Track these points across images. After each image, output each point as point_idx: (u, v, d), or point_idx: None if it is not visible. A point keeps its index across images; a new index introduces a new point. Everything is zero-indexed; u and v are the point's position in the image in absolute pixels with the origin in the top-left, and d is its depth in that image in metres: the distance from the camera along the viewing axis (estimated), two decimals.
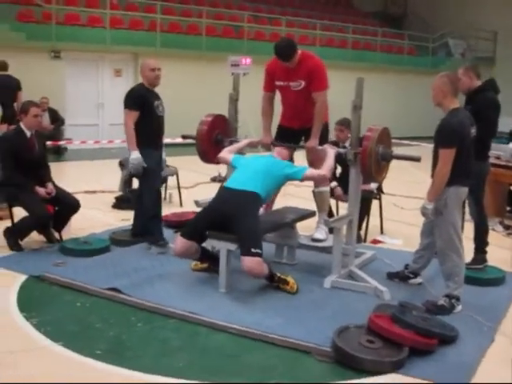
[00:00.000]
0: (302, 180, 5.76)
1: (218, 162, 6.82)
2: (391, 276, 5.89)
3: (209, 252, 5.72)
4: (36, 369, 4.03)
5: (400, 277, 5.84)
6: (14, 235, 6.43)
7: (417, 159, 5.66)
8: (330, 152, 5.86)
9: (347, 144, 6.70)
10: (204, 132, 6.45)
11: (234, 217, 5.30)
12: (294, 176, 5.69)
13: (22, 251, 6.35)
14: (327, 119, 6.32)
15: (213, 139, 6.52)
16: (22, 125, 6.52)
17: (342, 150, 5.97)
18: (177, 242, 5.53)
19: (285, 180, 5.78)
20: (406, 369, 4.10)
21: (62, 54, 15.08)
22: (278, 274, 5.46)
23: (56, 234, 6.69)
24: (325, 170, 5.73)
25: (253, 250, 5.14)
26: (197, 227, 5.55)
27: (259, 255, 5.14)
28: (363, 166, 5.58)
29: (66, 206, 6.61)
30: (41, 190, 6.40)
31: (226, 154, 6.08)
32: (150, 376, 3.96)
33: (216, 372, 4.06)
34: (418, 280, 5.79)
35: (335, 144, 6.79)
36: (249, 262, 5.11)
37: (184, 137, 7.00)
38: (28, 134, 6.51)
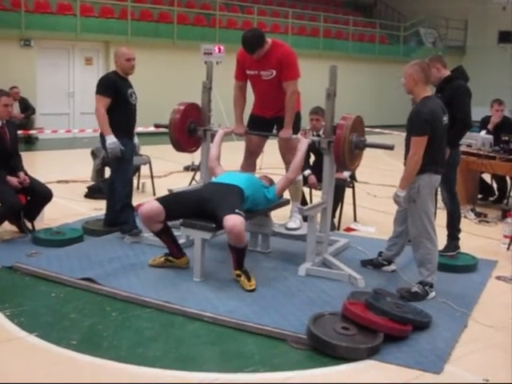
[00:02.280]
0: (278, 196, 5.90)
1: (191, 151, 6.84)
2: (365, 263, 5.93)
3: (173, 235, 5.66)
4: (12, 360, 4.00)
5: (374, 264, 5.88)
6: None
7: (390, 147, 5.70)
8: (303, 141, 5.88)
9: (321, 132, 6.71)
10: (177, 121, 6.42)
11: (215, 200, 5.32)
12: (270, 193, 5.81)
13: None
14: (299, 108, 6.29)
15: (186, 128, 6.50)
16: None
17: (315, 139, 5.98)
18: (148, 203, 5.54)
19: (262, 194, 5.79)
20: (380, 355, 4.14)
21: (32, 42, 14.90)
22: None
23: (28, 224, 6.62)
24: (291, 170, 5.81)
25: (237, 210, 5.14)
26: (174, 201, 5.57)
27: (242, 216, 5.11)
28: (336, 154, 5.59)
29: (39, 195, 6.55)
30: (13, 180, 6.32)
31: (215, 163, 6.12)
32: (126, 365, 3.95)
33: (191, 360, 4.06)
34: (392, 267, 5.83)
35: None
36: (232, 218, 5.03)
37: (157, 126, 6.98)
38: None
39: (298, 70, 6.10)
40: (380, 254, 5.89)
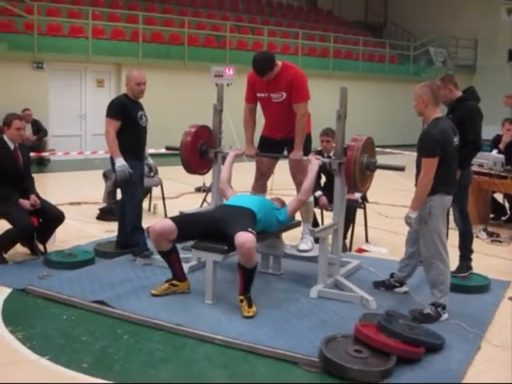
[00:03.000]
0: (289, 218, 5.88)
1: (202, 173, 6.85)
2: (377, 285, 5.91)
3: (179, 257, 5.64)
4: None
5: (386, 285, 5.86)
6: None
7: (401, 169, 5.71)
8: (314, 163, 5.88)
9: (332, 154, 6.72)
10: (188, 143, 6.43)
11: (227, 220, 5.32)
12: (281, 215, 5.80)
13: (6, 264, 6.29)
14: (310, 130, 6.28)
15: (197, 150, 6.51)
16: (5, 137, 6.49)
17: (326, 160, 5.99)
18: (160, 221, 5.57)
19: (274, 216, 5.78)
20: (393, 377, 4.10)
21: (44, 64, 15.02)
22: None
23: (40, 247, 6.65)
24: (302, 192, 5.80)
25: (250, 229, 5.13)
26: (186, 220, 5.58)
27: (254, 235, 5.09)
28: (347, 175, 5.59)
29: (51, 217, 6.58)
30: (25, 202, 6.36)
31: (226, 185, 6.12)
32: None
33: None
34: (404, 289, 5.80)
35: (319, 153, 6.82)
36: (244, 234, 5.01)
37: (168, 148, 6.99)
38: (12, 146, 6.48)
39: (308, 91, 6.11)
40: (392, 275, 5.86)
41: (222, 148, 6.67)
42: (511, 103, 15.23)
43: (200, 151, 6.53)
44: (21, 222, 6.25)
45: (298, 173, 6.20)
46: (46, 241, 6.70)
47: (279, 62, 6.07)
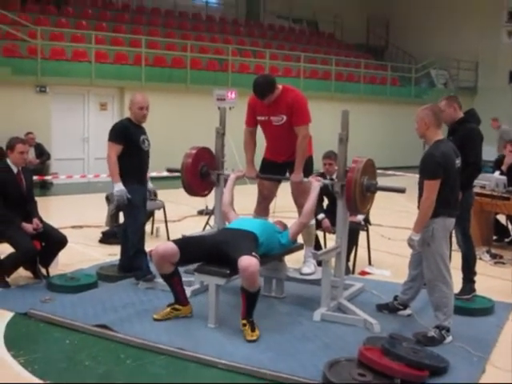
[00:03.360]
0: (291, 241, 5.90)
1: (203, 195, 6.85)
2: (380, 308, 5.89)
3: (181, 281, 5.62)
4: None
5: (389, 308, 5.84)
6: (1, 272, 6.36)
7: (401, 190, 5.71)
8: (315, 185, 5.89)
9: (334, 176, 6.72)
10: (189, 165, 6.45)
11: (230, 244, 5.32)
12: (283, 238, 5.81)
13: (9, 288, 6.28)
14: (311, 152, 6.29)
15: (198, 172, 6.53)
16: (8, 161, 6.51)
17: (327, 182, 6.00)
18: (163, 243, 5.57)
19: (276, 239, 5.79)
20: None
21: (47, 88, 15.08)
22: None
23: (43, 270, 6.64)
24: (303, 215, 5.81)
25: (253, 253, 5.12)
26: (189, 243, 5.58)
27: (258, 259, 5.08)
28: (348, 197, 5.60)
29: (53, 241, 6.58)
30: (27, 226, 6.37)
31: (228, 208, 6.14)
32: None
33: None
34: (407, 311, 5.78)
35: (321, 176, 6.83)
36: (247, 258, 5.01)
37: (169, 170, 7.02)
38: (15, 170, 6.50)
39: (308, 114, 6.12)
40: (395, 298, 5.84)
41: (225, 170, 6.68)
42: (497, 126, 15.53)
43: (201, 173, 6.54)
44: (23, 245, 6.25)
45: (299, 195, 6.20)
46: (49, 264, 6.69)
47: (280, 86, 6.09)
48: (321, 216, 7.27)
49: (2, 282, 6.32)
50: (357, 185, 5.51)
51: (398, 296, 5.81)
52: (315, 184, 5.90)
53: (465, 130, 6.10)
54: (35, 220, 6.48)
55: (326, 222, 7.31)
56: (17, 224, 6.34)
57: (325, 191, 6.18)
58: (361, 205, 5.69)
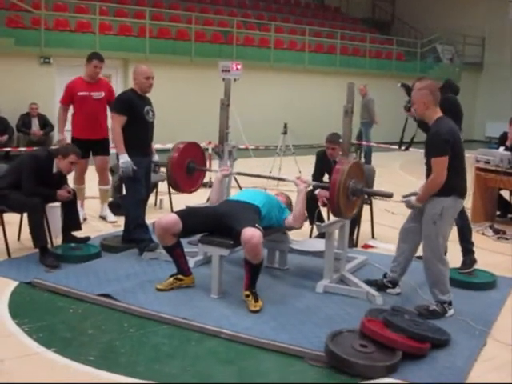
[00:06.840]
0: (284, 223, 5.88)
1: (189, 192, 6.74)
2: (370, 284, 5.71)
3: (184, 252, 5.62)
4: (29, 376, 4.01)
5: (378, 285, 5.69)
6: (41, 248, 6.22)
7: (389, 195, 5.67)
8: (301, 188, 5.77)
9: (337, 160, 6.62)
10: (175, 159, 6.35)
11: (232, 215, 5.34)
12: (284, 214, 5.84)
13: (58, 266, 6.07)
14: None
15: (184, 167, 6.46)
16: (56, 161, 6.44)
17: (313, 183, 6.23)
18: (166, 215, 5.58)
19: (278, 213, 5.80)
20: (398, 373, 4.11)
21: (51, 59, 15.02)
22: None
23: (54, 241, 6.65)
24: (295, 219, 5.74)
25: (257, 225, 5.14)
26: (191, 214, 5.60)
27: (261, 231, 5.08)
28: (331, 200, 5.22)
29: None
30: (62, 192, 6.41)
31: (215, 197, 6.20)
32: (143, 381, 3.95)
33: (208, 378, 4.07)
34: (397, 290, 5.66)
35: (324, 156, 6.80)
36: (251, 230, 5.01)
37: (156, 165, 6.94)
38: (55, 170, 6.48)
39: None
40: (385, 275, 5.74)
41: (229, 143, 6.67)
42: (364, 93, 15.12)
43: (187, 168, 6.48)
44: (27, 204, 6.19)
45: None
46: (77, 225, 6.74)
47: None
48: (317, 191, 6.99)
49: (49, 258, 6.15)
50: (341, 188, 5.11)
51: (388, 273, 5.72)
52: (301, 187, 5.78)
53: (444, 102, 5.92)
54: (65, 186, 6.53)
55: (322, 192, 6.87)
56: (53, 195, 6.38)
57: (327, 169, 6.11)
58: (345, 209, 5.27)
